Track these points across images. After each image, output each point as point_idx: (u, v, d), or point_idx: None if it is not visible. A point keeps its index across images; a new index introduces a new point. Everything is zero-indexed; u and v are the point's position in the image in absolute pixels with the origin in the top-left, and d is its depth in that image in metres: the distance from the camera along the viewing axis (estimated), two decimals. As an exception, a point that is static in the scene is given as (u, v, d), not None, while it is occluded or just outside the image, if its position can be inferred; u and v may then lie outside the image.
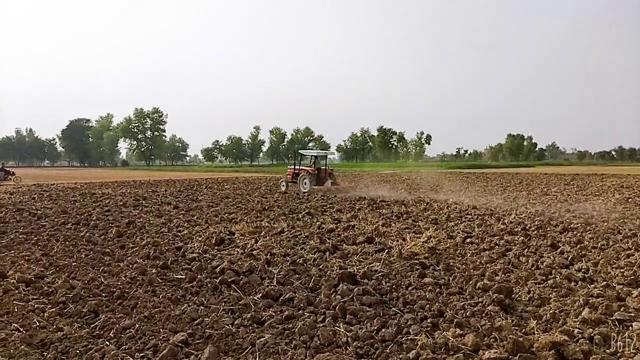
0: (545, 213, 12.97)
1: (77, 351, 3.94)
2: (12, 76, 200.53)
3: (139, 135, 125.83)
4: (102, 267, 6.82)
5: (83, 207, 14.27)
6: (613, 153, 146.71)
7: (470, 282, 6.03)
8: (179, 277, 6.32)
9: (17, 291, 5.50)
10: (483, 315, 4.88)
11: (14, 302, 5.13)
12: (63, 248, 8.13)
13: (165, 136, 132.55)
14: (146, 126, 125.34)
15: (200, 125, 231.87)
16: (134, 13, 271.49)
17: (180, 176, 43.64)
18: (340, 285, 5.75)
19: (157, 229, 10.34)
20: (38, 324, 4.53)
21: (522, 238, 8.97)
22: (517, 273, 6.57)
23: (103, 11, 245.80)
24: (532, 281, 6.15)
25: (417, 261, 7.12)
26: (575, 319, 4.70)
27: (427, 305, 5.08)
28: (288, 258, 7.40)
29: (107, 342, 4.15)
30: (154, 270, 6.61)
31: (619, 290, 5.58)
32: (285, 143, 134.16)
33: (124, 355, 3.88)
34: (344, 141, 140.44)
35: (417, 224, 10.96)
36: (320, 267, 6.88)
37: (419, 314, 4.88)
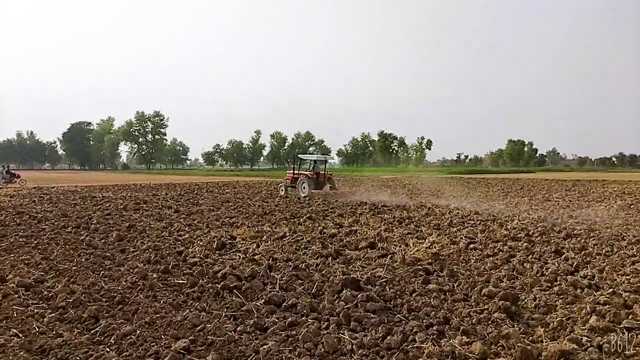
0: (548, 219, 12.90)
1: (77, 358, 3.87)
2: (13, 77, 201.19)
3: (140, 139, 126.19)
4: (102, 272, 6.75)
5: (83, 211, 14.21)
6: (614, 159, 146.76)
7: (475, 288, 5.96)
8: (181, 282, 6.25)
9: (16, 295, 5.42)
10: (489, 322, 4.81)
11: (14, 306, 5.05)
12: (63, 252, 8.05)
13: (166, 140, 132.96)
14: (147, 130, 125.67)
15: (201, 129, 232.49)
16: (134, 14, 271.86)
17: (181, 180, 43.61)
18: (344, 291, 5.68)
19: (157, 233, 10.27)
20: (37, 329, 4.45)
21: (525, 244, 8.91)
22: (522, 280, 6.50)
23: (102, 13, 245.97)
24: (538, 288, 6.08)
25: (420, 267, 7.05)
26: (583, 327, 4.63)
27: (433, 312, 5.01)
28: (290, 263, 7.33)
29: (107, 349, 4.08)
30: (155, 275, 6.54)
31: (626, 298, 5.51)
32: (286, 147, 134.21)
33: (124, 362, 3.81)
34: (345, 146, 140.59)
35: (419, 229, 10.90)
36: (323, 272, 6.82)
37: (424, 321, 4.80)
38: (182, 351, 3.99)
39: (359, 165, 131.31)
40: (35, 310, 4.97)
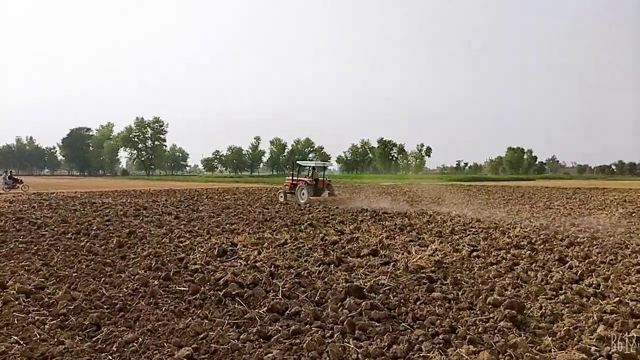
0: (550, 227, 12.86)
1: (79, 366, 3.82)
2: (13, 80, 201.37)
3: (140, 145, 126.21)
4: (103, 278, 6.68)
5: (83, 217, 14.15)
6: (613, 167, 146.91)
7: (480, 297, 5.90)
8: (182, 289, 6.19)
9: (17, 302, 5.36)
10: (496, 331, 4.75)
11: (14, 313, 4.99)
12: (63, 258, 7.99)
13: (166, 146, 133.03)
14: (147, 135, 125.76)
15: (201, 135, 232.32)
16: (133, 17, 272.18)
17: (181, 186, 43.56)
18: (347, 299, 5.63)
19: (158, 239, 10.21)
20: (38, 336, 4.39)
21: (528, 252, 8.85)
22: (526, 288, 6.44)
23: (101, 16, 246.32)
24: (543, 296, 6.02)
25: (424, 275, 6.99)
26: (591, 336, 4.57)
27: (438, 321, 4.95)
28: (292, 270, 7.27)
29: (110, 357, 4.02)
30: (156, 282, 6.48)
31: (632, 307, 5.45)
32: (285, 154, 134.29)
33: (127, 370, 3.75)
34: (344, 152, 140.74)
35: (421, 236, 10.84)
36: (326, 280, 6.76)
37: (429, 329, 4.75)
38: (184, 359, 3.93)
39: (359, 172, 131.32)
40: (36, 317, 4.91)
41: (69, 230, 11.07)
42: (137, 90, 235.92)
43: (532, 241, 10.15)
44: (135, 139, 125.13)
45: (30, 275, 6.75)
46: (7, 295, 5.52)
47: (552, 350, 4.27)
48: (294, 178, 22.93)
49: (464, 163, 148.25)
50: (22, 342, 4.25)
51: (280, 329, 4.75)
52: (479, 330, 4.78)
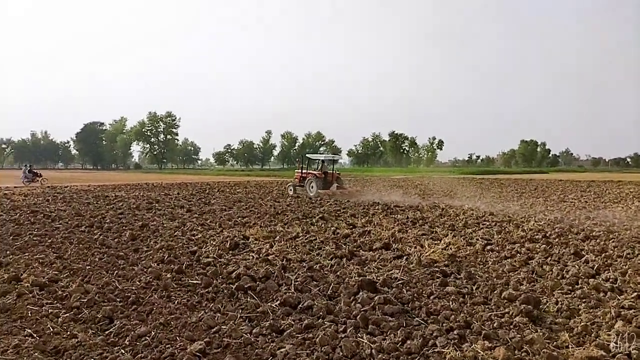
0: (564, 220, 12.68)
1: (92, 359, 3.82)
2: (12, 80, 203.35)
3: (152, 139, 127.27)
4: (116, 271, 6.71)
5: (97, 210, 14.24)
6: (628, 160, 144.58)
7: (495, 291, 5.82)
8: (195, 282, 6.19)
9: (31, 295, 5.39)
10: (511, 327, 4.67)
11: (28, 306, 5.02)
12: (77, 251, 8.04)
13: (178, 140, 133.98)
14: (159, 130, 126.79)
15: (213, 129, 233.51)
16: (143, 12, 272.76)
17: (192, 179, 43.77)
18: (360, 293, 5.58)
19: (170, 232, 10.24)
20: (52, 329, 4.41)
21: (543, 246, 8.73)
22: (542, 282, 6.34)
23: (111, 10, 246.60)
24: (559, 291, 5.93)
25: (437, 269, 6.92)
26: (609, 332, 4.48)
27: (452, 316, 4.89)
28: (304, 264, 7.24)
29: (122, 350, 4.02)
30: (168, 275, 6.49)
31: (652, 302, 5.34)
32: (296, 147, 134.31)
33: (140, 364, 3.75)
34: (355, 146, 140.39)
35: (434, 230, 10.75)
36: (338, 273, 6.72)
37: (444, 324, 4.68)
38: (197, 353, 3.92)
39: (370, 165, 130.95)
40: (49, 310, 4.93)
41: (83, 223, 11.15)
42: (149, 83, 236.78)
43: (547, 235, 10.00)
44: (148, 133, 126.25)
45: (44, 268, 6.79)
46: (21, 288, 5.55)
47: (570, 346, 4.19)
48: (304, 171, 23.04)
49: (476, 156, 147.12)
50: (35, 335, 4.27)
51: (292, 323, 4.72)
52: (494, 325, 4.70)
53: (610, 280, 6.45)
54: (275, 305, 5.29)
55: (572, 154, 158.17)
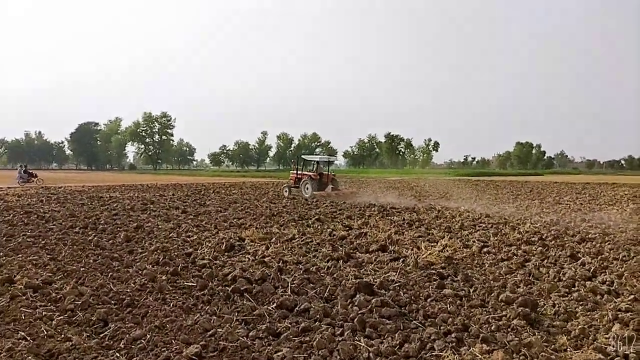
0: (560, 222, 12.70)
1: (86, 363, 3.77)
2: (17, 77, 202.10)
3: (147, 139, 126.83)
4: (110, 273, 6.64)
5: (91, 211, 14.14)
6: (622, 162, 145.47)
7: (492, 294, 5.81)
8: (190, 284, 6.14)
9: (24, 297, 5.32)
10: (509, 329, 4.66)
11: (21, 308, 4.95)
12: (71, 252, 7.96)
13: (173, 140, 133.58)
14: (154, 130, 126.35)
15: (208, 130, 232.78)
16: (138, 13, 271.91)
17: (187, 180, 43.64)
18: (357, 296, 5.55)
19: (165, 233, 10.17)
20: (45, 332, 4.35)
21: (540, 248, 8.73)
22: (539, 285, 6.33)
23: (105, 12, 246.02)
24: (556, 294, 5.91)
25: (434, 271, 6.90)
26: (607, 335, 4.47)
27: (450, 319, 4.86)
28: (301, 266, 7.20)
29: (117, 354, 3.97)
30: (164, 277, 6.43)
31: (648, 305, 5.33)
32: (292, 148, 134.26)
33: (135, 368, 3.70)
34: (351, 147, 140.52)
35: (430, 232, 10.73)
36: (335, 276, 6.68)
37: (441, 327, 4.65)
38: (193, 357, 3.88)
39: (365, 166, 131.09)
40: (43, 313, 4.86)
41: (77, 225, 11.06)
42: (143, 84, 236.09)
43: (543, 237, 10.02)
44: (143, 134, 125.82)
45: (37, 269, 6.71)
46: (14, 290, 5.48)
47: (568, 349, 4.17)
48: (299, 172, 23.03)
49: (472, 158, 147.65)
50: (29, 338, 4.21)
51: (289, 326, 4.69)
52: (492, 328, 4.68)
53: (607, 282, 6.46)
54: (272, 307, 5.25)
55: (566, 156, 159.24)
